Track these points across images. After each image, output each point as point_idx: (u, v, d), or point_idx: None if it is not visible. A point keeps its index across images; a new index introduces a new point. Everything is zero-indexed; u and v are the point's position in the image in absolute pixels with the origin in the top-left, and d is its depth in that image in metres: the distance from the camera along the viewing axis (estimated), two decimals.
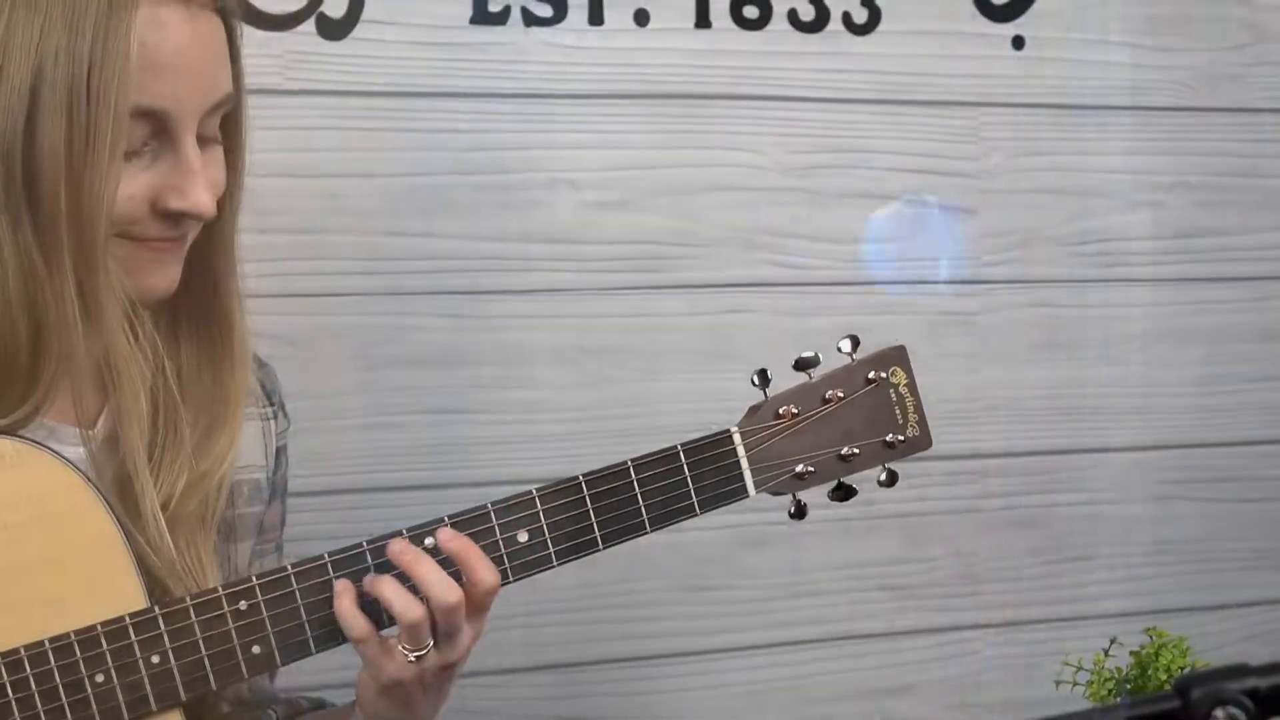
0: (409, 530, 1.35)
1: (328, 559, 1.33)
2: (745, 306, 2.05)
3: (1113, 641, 1.68)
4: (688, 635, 2.06)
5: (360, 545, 1.34)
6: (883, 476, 1.47)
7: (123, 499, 1.35)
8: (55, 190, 1.25)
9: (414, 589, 1.32)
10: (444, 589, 1.31)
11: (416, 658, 1.32)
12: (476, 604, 1.34)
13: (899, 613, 2.15)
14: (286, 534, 1.57)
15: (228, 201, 1.39)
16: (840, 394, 1.45)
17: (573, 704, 2.02)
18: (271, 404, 1.53)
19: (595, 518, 1.39)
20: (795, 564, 2.10)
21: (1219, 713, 0.84)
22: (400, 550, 1.33)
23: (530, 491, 1.37)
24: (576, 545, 1.39)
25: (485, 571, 1.33)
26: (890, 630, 2.14)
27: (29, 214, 1.26)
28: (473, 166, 1.95)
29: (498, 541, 1.36)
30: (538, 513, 1.37)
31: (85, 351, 1.32)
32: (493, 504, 1.36)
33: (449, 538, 1.34)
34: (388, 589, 1.32)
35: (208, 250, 1.40)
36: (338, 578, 1.33)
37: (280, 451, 1.54)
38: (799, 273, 2.07)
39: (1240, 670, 0.86)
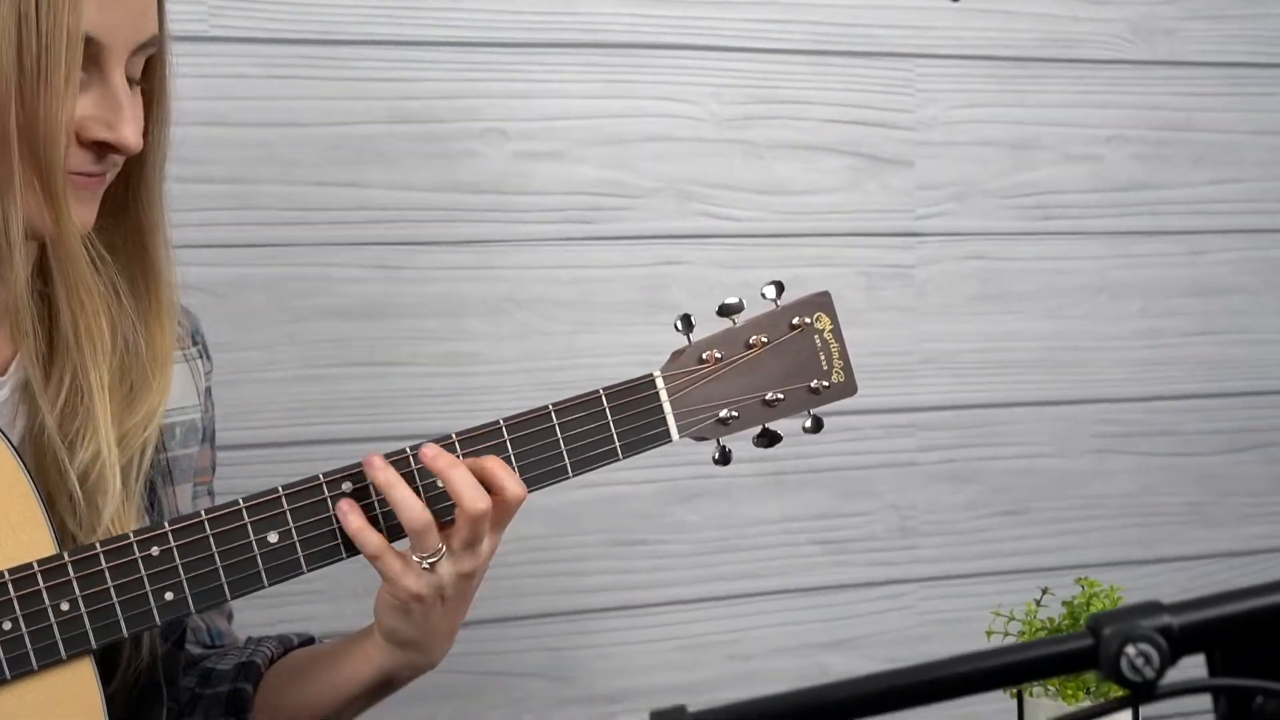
0: (411, 448, 1.34)
1: (242, 504, 1.31)
2: (680, 258, 2.03)
3: (1045, 591, 1.67)
4: (619, 590, 2.05)
5: (276, 490, 1.32)
6: (808, 423, 1.47)
7: (39, 457, 1.33)
8: (5, 116, 1.23)
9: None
10: (474, 495, 1.31)
11: (430, 564, 1.33)
12: (501, 516, 1.34)
13: (833, 567, 2.13)
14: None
15: (153, 151, 1.37)
16: (764, 339, 1.44)
17: (502, 659, 2.01)
18: (195, 344, 1.51)
19: (517, 462, 1.37)
20: (728, 518, 2.09)
21: (1130, 649, 0.82)
22: (435, 454, 1.33)
23: (450, 436, 1.35)
24: None
25: (512, 482, 1.34)
26: (825, 584, 2.13)
27: None
28: (403, 115, 1.93)
29: (419, 487, 1.34)
30: (458, 457, 1.35)
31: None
32: (410, 449, 1.35)
33: (441, 459, 1.33)
34: (400, 493, 1.32)
35: (134, 202, 1.38)
36: (337, 497, 1.33)
37: (208, 393, 1.53)
38: (734, 224, 2.05)
39: (1153, 608, 0.84)
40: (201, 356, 1.52)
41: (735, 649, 2.10)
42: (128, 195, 1.37)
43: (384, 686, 1.43)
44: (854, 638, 2.14)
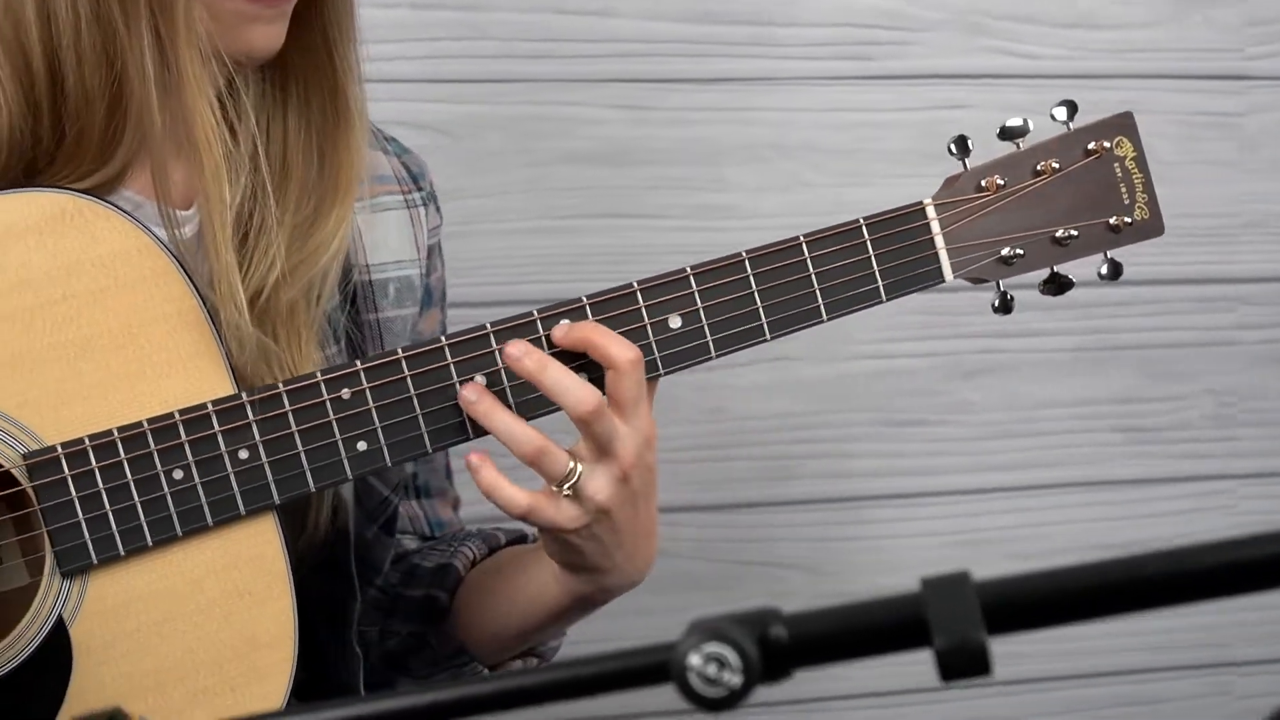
0: (540, 311, 1.15)
1: (445, 342, 1.15)
2: (966, 101, 1.84)
3: None
4: (891, 476, 1.89)
5: (484, 327, 1.15)
6: (1104, 269, 1.27)
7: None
8: None
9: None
10: (578, 395, 1.12)
11: (571, 489, 1.13)
12: (623, 396, 1.12)
13: (1137, 458, 1.93)
14: None
15: None
16: (1055, 165, 1.25)
17: (760, 548, 1.86)
18: (420, 188, 1.37)
19: (761, 301, 1.19)
20: (1016, 398, 1.90)
21: None
22: (518, 355, 1.13)
23: (685, 270, 1.17)
24: (739, 334, 1.19)
25: (618, 347, 1.13)
26: (1126, 478, 1.93)
27: None
28: None
29: (645, 327, 1.17)
30: (693, 294, 1.18)
31: (171, 121, 1.16)
32: (639, 283, 1.17)
33: (562, 334, 1.15)
34: (499, 422, 1.13)
35: (324, 8, 1.23)
36: (461, 381, 1.14)
37: (434, 250, 1.38)
38: (1029, 63, 1.86)
39: None
40: (426, 205, 1.37)
41: (1019, 547, 1.92)
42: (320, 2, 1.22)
43: (581, 607, 1.24)
44: (1158, 539, 1.96)
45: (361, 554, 1.29)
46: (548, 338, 1.15)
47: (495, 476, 1.13)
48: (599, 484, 1.13)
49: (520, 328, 1.15)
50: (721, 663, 0.63)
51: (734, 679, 0.63)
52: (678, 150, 1.79)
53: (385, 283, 1.32)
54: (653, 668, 0.66)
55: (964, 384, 1.89)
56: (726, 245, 1.77)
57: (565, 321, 1.15)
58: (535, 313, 1.15)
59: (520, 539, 1.37)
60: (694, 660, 0.63)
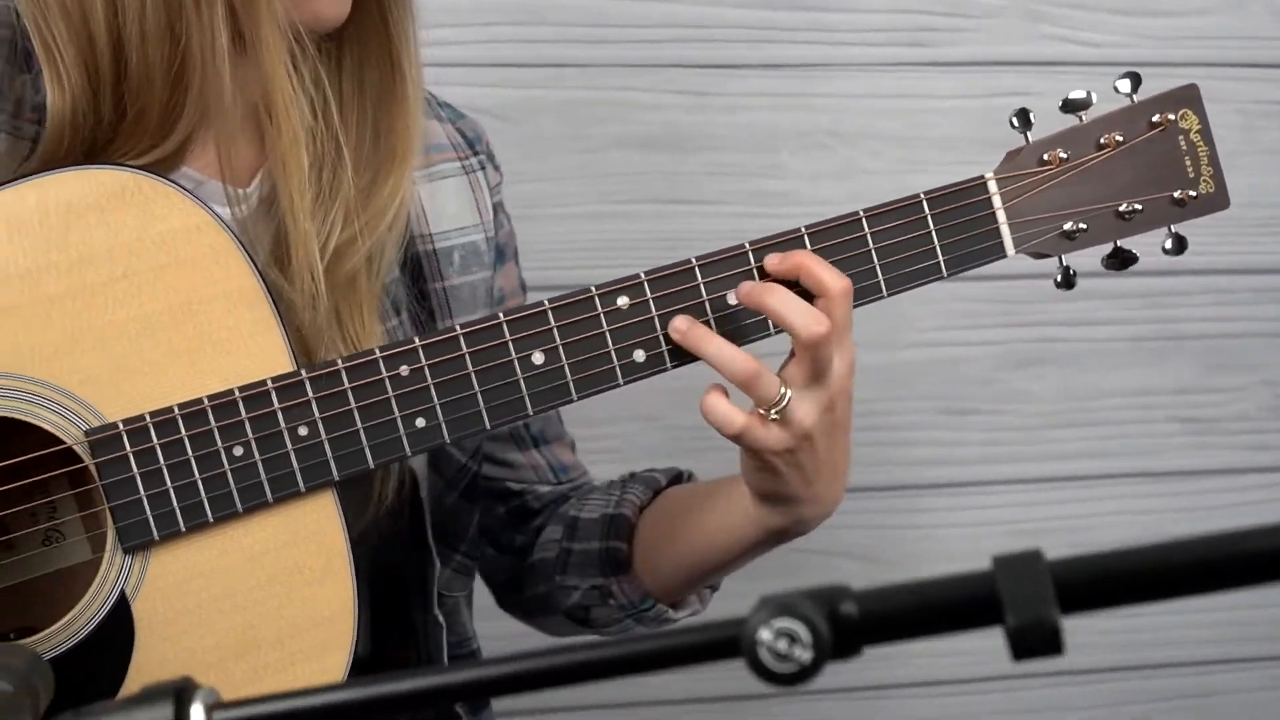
0: (698, 259, 1.16)
1: (503, 319, 1.14)
2: (1025, 89, 1.83)
3: None
4: (949, 465, 1.87)
5: (542, 303, 1.15)
6: (1168, 243, 1.25)
7: (275, 259, 1.19)
8: None
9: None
10: (807, 319, 1.12)
11: (779, 413, 1.13)
12: (835, 324, 1.13)
13: (1196, 448, 1.92)
14: None
15: None
16: (1119, 138, 1.23)
17: (816, 535, 1.76)
18: (476, 152, 1.37)
19: None
20: (1075, 388, 1.89)
21: None
22: (747, 292, 1.14)
23: (743, 246, 1.17)
24: None
25: (831, 275, 1.14)
26: (1185, 468, 1.92)
27: None
28: None
29: (704, 304, 1.16)
30: (751, 270, 1.17)
31: (237, 96, 1.16)
32: (697, 259, 1.17)
33: (776, 262, 1.15)
34: (713, 347, 1.14)
35: None
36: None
37: (499, 208, 1.39)
38: (1089, 50, 1.84)
39: None
40: (484, 168, 1.38)
41: (1079, 537, 1.90)
42: None
43: (771, 541, 1.25)
44: (1214, 530, 1.88)
45: (441, 522, 1.29)
46: (760, 269, 1.15)
47: (717, 395, 1.14)
48: (807, 409, 1.14)
49: (577, 304, 1.15)
50: (792, 638, 0.62)
51: (804, 655, 0.62)
52: (735, 136, 1.78)
53: (450, 250, 1.32)
54: (723, 642, 0.65)
55: (1022, 373, 1.87)
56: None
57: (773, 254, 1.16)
58: (593, 287, 1.16)
59: (677, 478, 1.36)
60: (764, 635, 0.63)
